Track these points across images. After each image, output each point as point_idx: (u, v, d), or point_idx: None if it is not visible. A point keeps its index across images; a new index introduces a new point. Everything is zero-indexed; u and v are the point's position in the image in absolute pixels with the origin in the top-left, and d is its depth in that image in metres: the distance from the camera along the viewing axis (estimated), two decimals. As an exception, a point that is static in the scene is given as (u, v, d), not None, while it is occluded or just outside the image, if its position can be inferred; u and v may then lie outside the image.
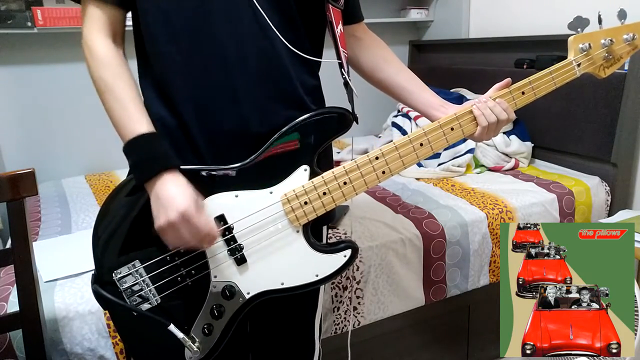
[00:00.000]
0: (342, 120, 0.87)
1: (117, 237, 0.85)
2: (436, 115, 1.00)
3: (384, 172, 0.88)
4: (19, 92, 2.31)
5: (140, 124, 0.81)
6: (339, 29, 0.92)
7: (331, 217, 1.00)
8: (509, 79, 0.94)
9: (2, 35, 2.19)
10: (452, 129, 0.91)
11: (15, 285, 1.01)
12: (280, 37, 0.84)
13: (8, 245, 1.08)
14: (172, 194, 0.78)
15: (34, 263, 1.00)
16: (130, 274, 0.85)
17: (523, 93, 0.94)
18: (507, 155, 2.13)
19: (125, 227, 0.85)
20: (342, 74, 0.93)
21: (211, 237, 0.82)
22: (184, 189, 0.79)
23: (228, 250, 0.86)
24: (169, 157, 0.81)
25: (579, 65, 0.95)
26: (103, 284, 0.86)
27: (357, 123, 0.89)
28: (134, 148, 0.81)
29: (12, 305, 1.18)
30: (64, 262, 1.36)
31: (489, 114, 0.92)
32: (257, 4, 0.82)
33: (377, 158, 0.88)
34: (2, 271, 1.35)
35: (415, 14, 2.91)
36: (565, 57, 0.96)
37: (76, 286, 1.25)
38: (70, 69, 2.36)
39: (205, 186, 0.84)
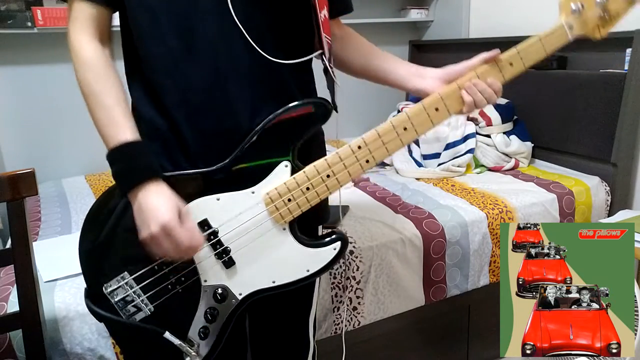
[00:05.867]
0: (320, 111, 0.84)
1: (103, 250, 0.84)
2: (411, 87, 0.95)
3: (367, 162, 0.85)
4: (19, 92, 2.31)
5: (124, 131, 0.79)
6: (322, 14, 0.88)
7: (326, 217, 1.00)
8: (497, 50, 0.87)
9: (2, 35, 2.19)
10: (436, 109, 0.85)
11: (15, 285, 1.01)
12: (258, 48, 0.81)
13: (8, 245, 1.08)
14: (155, 205, 0.77)
15: (34, 263, 1.00)
16: (120, 286, 0.85)
17: (511, 65, 0.87)
18: (507, 155, 2.13)
19: (110, 240, 0.84)
20: (322, 61, 0.89)
21: (193, 250, 0.81)
22: (167, 200, 0.78)
23: (215, 254, 0.85)
24: (153, 166, 0.80)
25: (571, 28, 0.87)
26: (95, 297, 0.85)
27: (337, 112, 0.86)
28: (117, 156, 0.79)
29: (12, 305, 1.18)
30: (64, 262, 1.36)
31: (480, 99, 0.86)
32: (230, 4, 0.80)
33: (359, 147, 0.84)
34: (2, 271, 1.35)
35: (415, 14, 2.91)
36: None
37: (76, 286, 1.25)
38: (70, 69, 2.33)
39: (188, 190, 0.83)
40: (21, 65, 2.30)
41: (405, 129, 0.84)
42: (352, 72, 1.05)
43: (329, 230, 0.91)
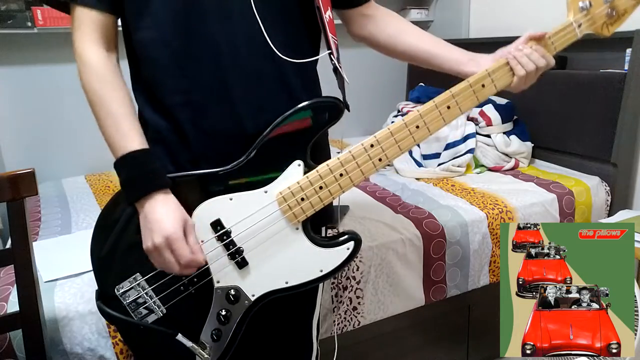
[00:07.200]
0: (333, 110, 0.84)
1: (115, 252, 0.84)
2: (465, 72, 0.96)
3: (380, 160, 0.85)
4: (19, 92, 2.31)
5: (132, 140, 0.79)
6: (327, 15, 0.88)
7: (330, 217, 1.00)
8: (545, 32, 0.88)
9: (2, 35, 2.19)
10: (448, 107, 0.86)
11: (15, 285, 1.01)
12: (271, 45, 0.82)
13: (8, 245, 1.08)
14: (160, 216, 0.77)
15: (34, 263, 1.00)
16: (132, 288, 0.84)
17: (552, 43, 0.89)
18: (507, 155, 2.13)
19: (122, 241, 0.84)
20: (332, 60, 0.90)
21: (195, 265, 0.81)
22: (173, 211, 0.78)
23: (228, 254, 0.85)
24: (160, 176, 0.80)
25: (579, 26, 0.90)
26: (107, 299, 0.85)
27: (349, 111, 0.86)
28: (125, 165, 0.79)
29: (12, 305, 1.18)
30: (64, 262, 1.36)
31: (527, 62, 0.87)
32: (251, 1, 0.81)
33: (372, 146, 0.84)
34: (2, 271, 1.35)
35: (415, 14, 2.91)
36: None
37: (76, 286, 1.25)
38: (70, 69, 2.33)
39: (199, 191, 0.83)
40: (21, 65, 2.30)
41: (417, 127, 0.85)
42: (388, 51, 1.05)
43: (340, 231, 0.91)
